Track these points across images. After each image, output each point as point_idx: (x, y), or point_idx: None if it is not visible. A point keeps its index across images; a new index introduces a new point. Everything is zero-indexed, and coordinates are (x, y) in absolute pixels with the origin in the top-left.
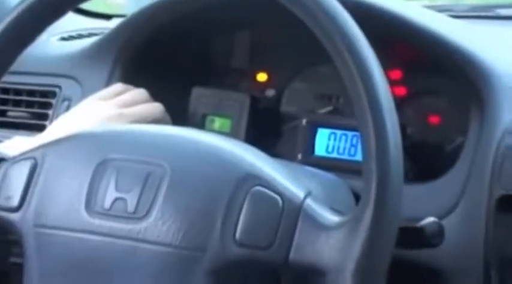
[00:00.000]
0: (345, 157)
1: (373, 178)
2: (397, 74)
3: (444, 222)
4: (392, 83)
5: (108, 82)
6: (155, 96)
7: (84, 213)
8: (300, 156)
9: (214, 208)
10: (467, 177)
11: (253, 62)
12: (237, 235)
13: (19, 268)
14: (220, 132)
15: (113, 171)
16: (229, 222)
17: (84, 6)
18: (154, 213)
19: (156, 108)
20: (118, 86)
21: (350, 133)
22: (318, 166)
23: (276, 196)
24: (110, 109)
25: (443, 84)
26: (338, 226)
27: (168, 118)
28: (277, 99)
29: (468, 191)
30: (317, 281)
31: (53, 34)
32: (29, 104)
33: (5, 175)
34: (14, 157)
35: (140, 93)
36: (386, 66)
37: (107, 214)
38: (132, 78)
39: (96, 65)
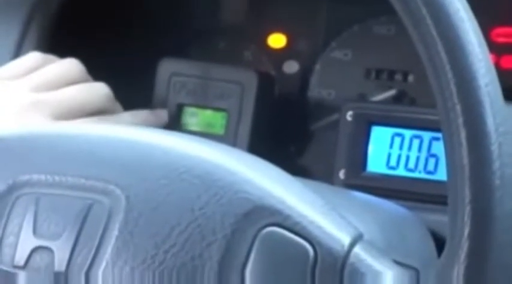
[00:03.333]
0: (419, 175)
1: (465, 213)
2: (504, 34)
3: None
4: (496, 50)
5: (18, 51)
6: (97, 73)
7: None
8: (342, 174)
9: (202, 264)
10: None
11: (262, 14)
12: None
13: None
14: (207, 135)
15: (29, 203)
16: None
17: None
18: (100, 272)
19: (98, 90)
20: (33, 57)
21: (427, 135)
22: (373, 190)
23: (304, 242)
24: (21, 94)
25: None
26: None
27: (119, 108)
28: (304, 77)
29: None
30: None
31: None
32: None
33: None
34: None
35: (70, 66)
36: (485, 23)
37: (20, 274)
38: (56, 42)
39: None
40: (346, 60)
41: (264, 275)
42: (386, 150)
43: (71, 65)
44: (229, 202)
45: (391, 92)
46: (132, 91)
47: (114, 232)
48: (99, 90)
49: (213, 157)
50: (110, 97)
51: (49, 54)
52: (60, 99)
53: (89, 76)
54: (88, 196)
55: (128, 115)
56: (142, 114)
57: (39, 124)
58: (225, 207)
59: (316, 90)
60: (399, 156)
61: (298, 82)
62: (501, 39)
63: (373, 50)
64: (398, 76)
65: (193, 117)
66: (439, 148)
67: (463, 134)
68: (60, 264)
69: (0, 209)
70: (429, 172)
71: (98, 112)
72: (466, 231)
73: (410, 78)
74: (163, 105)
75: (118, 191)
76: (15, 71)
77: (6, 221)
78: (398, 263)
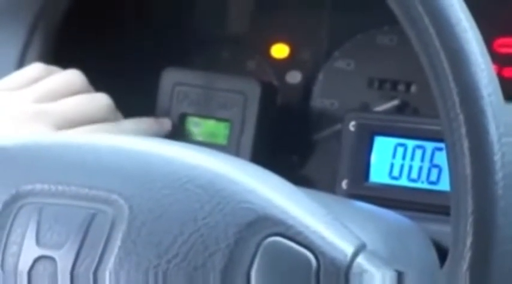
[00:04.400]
0: (421, 185)
1: (468, 222)
2: (506, 45)
3: None
4: (499, 60)
5: (21, 61)
6: (99, 84)
7: None
8: (345, 184)
9: (204, 274)
10: None
11: (265, 25)
12: None
13: None
14: (210, 144)
15: (32, 213)
16: None
17: None
18: (103, 282)
19: (100, 101)
20: (36, 68)
21: (429, 145)
22: (376, 200)
23: (307, 252)
24: (24, 104)
25: None
26: None
27: (120, 119)
28: (306, 87)
29: None
30: None
31: None
32: None
33: None
34: None
35: (72, 77)
36: (488, 33)
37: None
38: (59, 52)
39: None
40: (349, 70)
41: None
42: (389, 160)
43: (73, 76)
44: (232, 212)
45: (394, 102)
46: (135, 101)
47: (117, 241)
48: (100, 101)
49: (216, 167)
50: (111, 107)
51: (52, 63)
52: (62, 109)
53: (90, 87)
54: (91, 206)
55: (131, 122)
56: (145, 121)
57: (43, 133)
58: (228, 216)
59: (319, 100)
60: (402, 166)
61: (301, 92)
62: (504, 50)
63: (376, 60)
64: (401, 87)
65: (196, 127)
66: (441, 158)
67: (465, 144)
68: (63, 274)
69: (4, 218)
70: (432, 183)
71: (99, 122)
72: (469, 241)
73: (413, 88)
74: (166, 114)
75: (121, 201)
76: (18, 82)
77: (9, 231)
78: (402, 273)
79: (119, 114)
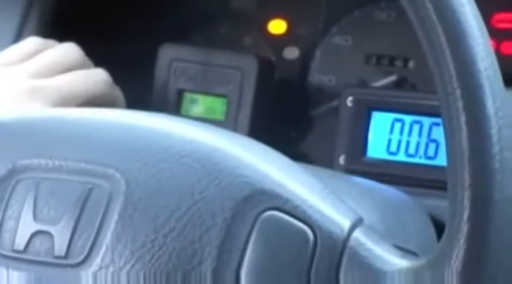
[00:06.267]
0: (419, 160)
1: (465, 196)
2: (504, 20)
3: None
4: (496, 35)
5: (18, 36)
6: (97, 58)
7: None
8: (342, 159)
9: (201, 248)
10: None
11: (262, 1)
12: None
13: None
14: (208, 120)
15: (29, 188)
16: (227, 269)
17: None
18: (100, 257)
19: (97, 76)
20: (32, 42)
21: (427, 121)
22: (374, 175)
23: (304, 226)
24: (20, 80)
25: None
26: (406, 275)
27: (119, 94)
28: (304, 63)
29: None
30: None
31: None
32: None
33: None
34: None
35: (69, 52)
36: (486, 8)
37: (19, 258)
38: (56, 28)
39: None
40: (347, 46)
41: (263, 259)
42: (387, 135)
43: (69, 50)
44: (229, 186)
45: (392, 78)
46: (132, 77)
47: (114, 216)
48: (97, 76)
49: (213, 142)
50: (108, 83)
51: (49, 39)
52: (59, 85)
53: (87, 61)
54: (88, 181)
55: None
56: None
57: (39, 108)
58: (225, 191)
59: (317, 76)
60: (399, 142)
61: (298, 68)
62: (501, 25)
63: (373, 35)
64: (398, 62)
65: (194, 103)
66: (439, 133)
67: (462, 118)
68: (60, 248)
69: (0, 193)
70: (429, 158)
71: (97, 98)
72: (466, 215)
73: (411, 64)
74: (163, 90)
75: (118, 175)
76: (14, 57)
77: (6, 206)
78: (398, 247)
79: (117, 89)
